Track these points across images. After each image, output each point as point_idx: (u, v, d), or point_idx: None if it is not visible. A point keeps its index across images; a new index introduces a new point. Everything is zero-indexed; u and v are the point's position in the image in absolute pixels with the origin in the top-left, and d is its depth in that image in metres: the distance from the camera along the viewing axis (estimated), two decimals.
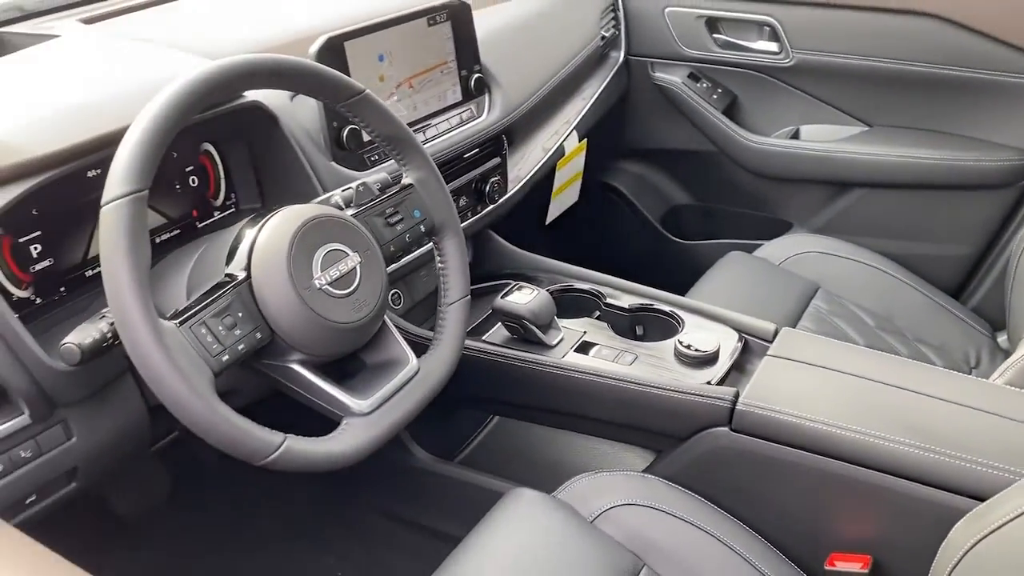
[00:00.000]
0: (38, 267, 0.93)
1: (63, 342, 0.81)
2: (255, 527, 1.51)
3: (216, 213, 1.13)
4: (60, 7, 1.36)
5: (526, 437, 1.44)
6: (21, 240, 0.92)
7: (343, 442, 0.86)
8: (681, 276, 1.63)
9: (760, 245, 1.75)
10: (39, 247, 0.93)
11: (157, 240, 1.06)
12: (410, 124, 1.26)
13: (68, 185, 0.90)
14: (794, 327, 1.45)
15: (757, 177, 1.89)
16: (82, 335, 0.81)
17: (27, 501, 0.91)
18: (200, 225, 1.11)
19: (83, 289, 0.98)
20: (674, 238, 2.04)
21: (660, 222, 2.06)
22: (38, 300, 0.94)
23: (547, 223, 1.77)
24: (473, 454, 1.43)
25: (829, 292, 1.60)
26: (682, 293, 1.44)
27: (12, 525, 0.80)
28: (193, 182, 1.10)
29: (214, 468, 1.51)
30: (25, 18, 1.31)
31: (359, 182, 1.04)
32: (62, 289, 0.96)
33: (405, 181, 1.03)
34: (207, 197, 1.12)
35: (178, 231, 1.08)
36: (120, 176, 0.76)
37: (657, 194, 2.07)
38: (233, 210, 1.15)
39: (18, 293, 0.92)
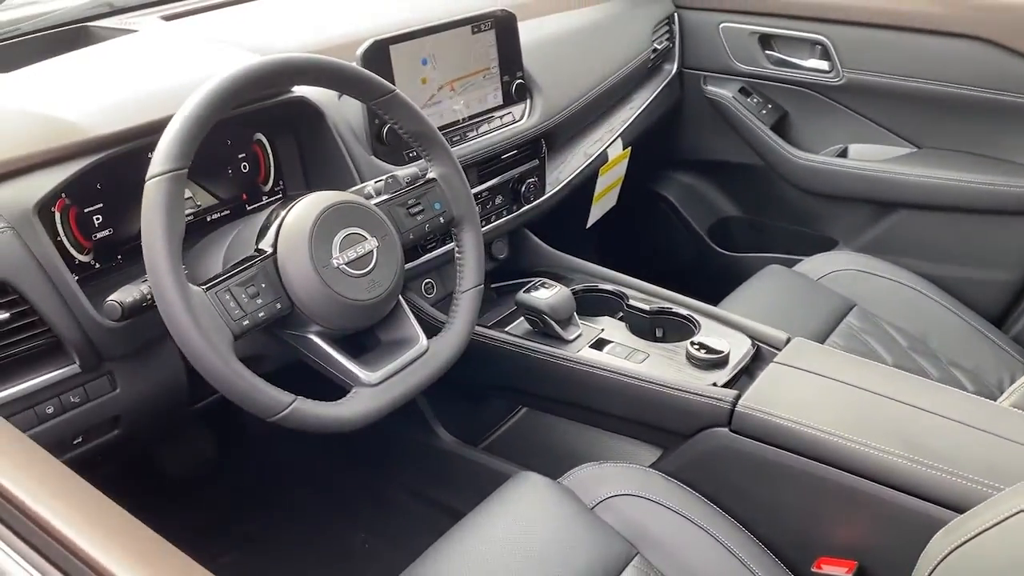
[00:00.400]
0: (99, 235, 1.05)
1: (107, 299, 0.92)
2: (291, 498, 1.61)
3: (264, 198, 1.24)
4: (145, 4, 1.49)
5: (548, 428, 1.50)
6: (86, 210, 1.03)
7: (348, 408, 0.95)
8: (723, 286, 1.67)
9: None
10: (101, 218, 1.05)
11: (208, 219, 1.17)
12: (450, 125, 1.35)
13: (129, 163, 1.01)
14: (823, 342, 1.47)
15: (804, 193, 1.91)
16: (124, 295, 0.92)
17: (74, 442, 1.02)
18: (249, 208, 1.22)
19: (137, 258, 1.09)
20: (719, 249, 2.07)
21: (707, 232, 2.09)
22: (97, 265, 1.06)
23: (587, 226, 1.82)
24: (497, 441, 1.50)
25: (865, 310, 1.61)
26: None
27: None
28: (244, 168, 1.21)
29: (258, 439, 1.62)
30: (113, 13, 1.44)
31: (389, 174, 1.12)
32: (119, 257, 1.07)
33: (429, 175, 1.11)
34: (257, 183, 1.23)
35: (228, 212, 1.19)
36: (162, 156, 0.87)
37: (705, 205, 2.11)
38: (281, 196, 1.25)
39: (80, 257, 1.03)
